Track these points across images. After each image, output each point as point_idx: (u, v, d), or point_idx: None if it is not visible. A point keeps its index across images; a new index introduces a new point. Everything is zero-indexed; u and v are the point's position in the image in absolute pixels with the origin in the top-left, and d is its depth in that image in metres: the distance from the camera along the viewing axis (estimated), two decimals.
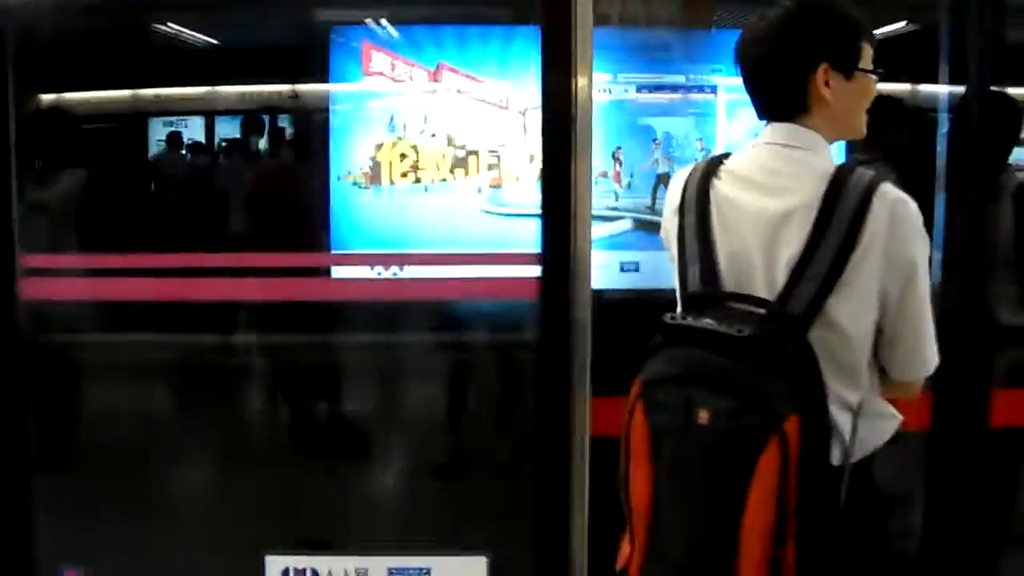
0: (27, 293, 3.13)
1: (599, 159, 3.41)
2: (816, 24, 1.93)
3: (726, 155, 2.05)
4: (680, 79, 3.57)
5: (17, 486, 3.22)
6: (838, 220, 1.81)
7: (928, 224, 1.90)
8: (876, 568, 2.08)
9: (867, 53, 1.98)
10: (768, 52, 1.94)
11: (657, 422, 1.88)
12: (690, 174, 2.04)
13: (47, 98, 3.97)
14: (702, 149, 3.51)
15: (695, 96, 3.51)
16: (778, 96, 1.96)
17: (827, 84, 1.92)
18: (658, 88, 3.55)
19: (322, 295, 3.37)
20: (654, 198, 3.49)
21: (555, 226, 3.00)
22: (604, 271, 3.47)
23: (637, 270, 3.47)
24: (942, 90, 3.56)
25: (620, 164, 3.49)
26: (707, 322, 1.85)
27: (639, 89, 3.53)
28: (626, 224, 3.52)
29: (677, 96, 3.55)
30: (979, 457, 3.31)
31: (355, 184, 3.43)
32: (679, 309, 1.98)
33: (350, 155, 3.43)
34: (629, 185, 3.50)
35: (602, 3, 3.52)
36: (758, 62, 1.97)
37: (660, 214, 2.14)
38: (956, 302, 3.29)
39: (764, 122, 2.00)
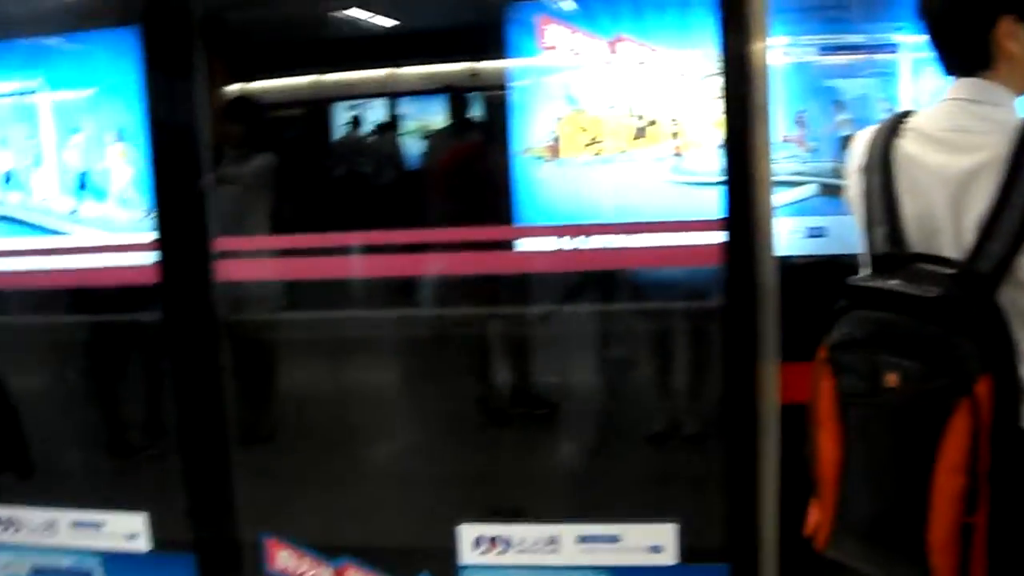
0: (221, 275, 3.31)
1: (782, 124, 3.37)
2: None
3: (909, 113, 2.01)
4: (862, 39, 3.49)
5: (219, 459, 3.42)
6: None
7: None
8: None
9: None
10: (950, 5, 1.90)
11: (845, 387, 1.87)
12: (872, 134, 2.02)
13: (235, 86, 4.15)
14: (886, 110, 3.42)
15: (877, 56, 3.42)
16: (961, 50, 1.92)
17: (1011, 37, 1.87)
18: (840, 49, 3.47)
19: (509, 267, 3.44)
20: (838, 162, 3.42)
21: (736, 192, 2.99)
22: (790, 237, 3.42)
23: (823, 236, 3.40)
24: None
25: (804, 128, 3.43)
26: (894, 284, 1.83)
27: (820, 51, 3.46)
28: (811, 189, 3.46)
29: (859, 56, 3.47)
30: None
31: (536, 158, 3.47)
32: (865, 271, 1.96)
33: (530, 130, 3.47)
34: (814, 149, 3.44)
35: None
36: (941, 16, 1.93)
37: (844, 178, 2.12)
38: None
39: (948, 80, 1.95)
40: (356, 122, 6.06)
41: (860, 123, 3.37)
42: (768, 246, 2.98)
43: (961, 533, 1.73)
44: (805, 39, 3.44)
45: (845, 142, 3.43)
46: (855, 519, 1.90)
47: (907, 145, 1.94)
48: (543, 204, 3.48)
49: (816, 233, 3.44)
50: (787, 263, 3.16)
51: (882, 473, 1.83)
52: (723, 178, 3.00)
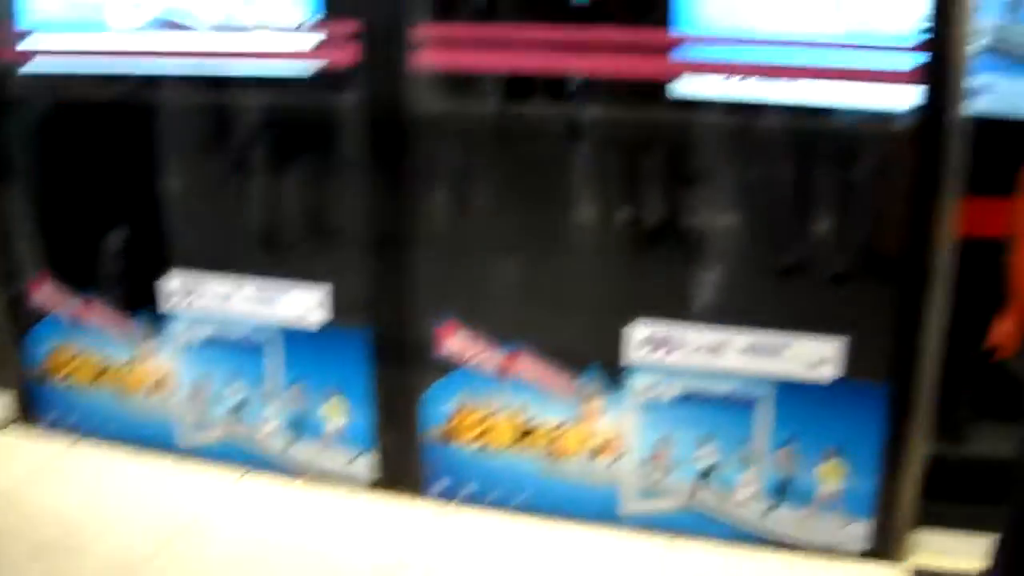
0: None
1: None
2: None
3: None
4: None
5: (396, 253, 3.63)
6: None
7: None
8: None
9: None
10: None
11: None
12: None
13: None
14: None
15: None
16: None
17: None
18: None
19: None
20: (1016, 17, 3.49)
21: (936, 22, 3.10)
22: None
23: (994, 93, 3.49)
24: None
25: None
26: None
27: None
28: (984, 43, 3.54)
29: None
30: None
31: None
32: None
33: None
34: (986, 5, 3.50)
35: None
36: None
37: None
38: None
39: None
40: None
41: None
42: (961, 78, 3.10)
43: None
44: None
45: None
46: None
47: None
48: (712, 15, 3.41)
49: (987, 89, 3.54)
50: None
51: None
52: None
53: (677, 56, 3.28)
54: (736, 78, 3.30)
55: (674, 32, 3.27)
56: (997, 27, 3.52)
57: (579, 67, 3.44)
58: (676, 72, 3.30)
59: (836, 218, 3.53)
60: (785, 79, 3.27)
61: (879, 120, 3.32)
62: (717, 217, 3.64)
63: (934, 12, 3.08)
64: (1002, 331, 2.35)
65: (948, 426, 3.47)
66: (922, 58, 3.10)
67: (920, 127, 3.14)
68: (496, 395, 3.66)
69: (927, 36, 3.09)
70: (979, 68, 3.50)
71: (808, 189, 3.59)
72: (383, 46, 3.50)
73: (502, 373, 3.64)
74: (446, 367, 3.70)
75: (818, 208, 3.56)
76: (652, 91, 3.39)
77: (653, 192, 3.74)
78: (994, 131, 3.24)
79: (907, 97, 3.13)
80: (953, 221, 3.15)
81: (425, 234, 3.62)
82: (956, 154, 3.12)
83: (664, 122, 3.55)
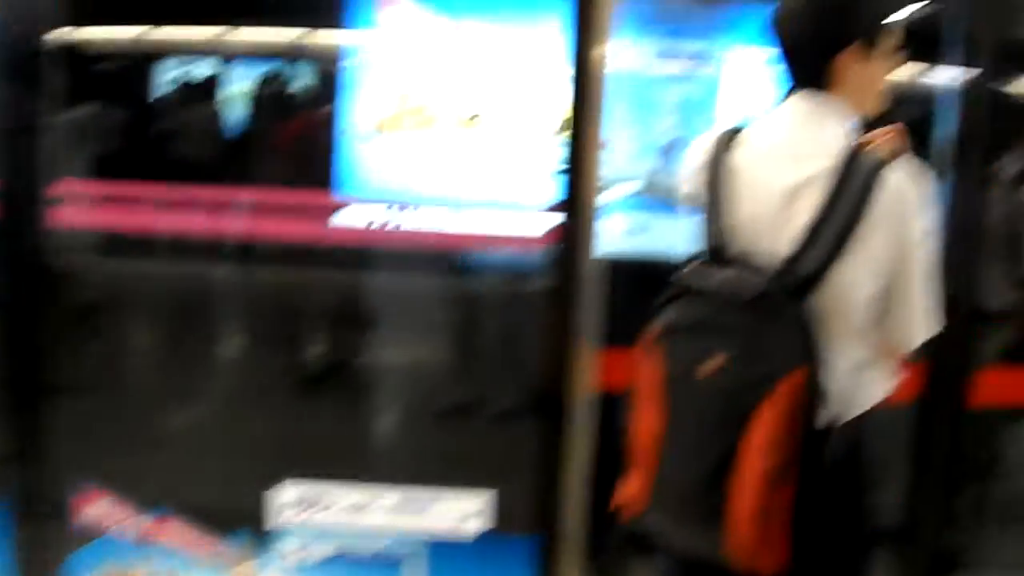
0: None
1: (615, 124, 3.54)
2: (849, 5, 2.06)
3: (745, 123, 2.18)
4: (697, 48, 3.68)
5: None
6: (849, 191, 1.96)
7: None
8: (853, 530, 2.20)
9: (891, 33, 2.11)
10: (804, 27, 2.06)
11: (669, 368, 2.04)
12: (711, 140, 2.18)
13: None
14: (718, 118, 3.64)
15: (711, 65, 3.61)
16: (808, 69, 2.08)
17: (855, 61, 2.05)
18: (675, 56, 3.65)
19: (332, 238, 3.47)
20: (667, 164, 3.61)
21: (567, 183, 3.13)
22: (615, 234, 3.60)
23: (647, 233, 3.59)
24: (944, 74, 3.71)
25: (633, 131, 3.61)
26: (720, 278, 2.01)
27: (657, 57, 3.63)
28: (637, 188, 3.64)
29: (694, 65, 3.66)
30: (959, 435, 3.49)
31: (371, 133, 3.46)
32: (696, 265, 2.12)
33: (365, 105, 3.45)
34: (641, 151, 3.62)
35: None
36: (794, 36, 2.08)
37: (673, 179, 2.28)
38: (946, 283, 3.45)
39: (783, 93, 2.13)
40: (181, 81, 5.90)
41: (689, 129, 3.61)
42: (592, 236, 3.13)
43: (763, 514, 1.92)
44: (640, 46, 3.62)
45: (674, 145, 3.64)
46: (670, 491, 2.08)
47: (743, 154, 2.12)
48: (370, 179, 3.47)
49: (641, 231, 3.63)
50: (613, 258, 3.34)
51: (698, 450, 2.00)
52: (556, 168, 3.13)
53: (335, 216, 3.26)
54: (391, 233, 3.33)
55: (333, 194, 3.25)
56: (650, 172, 3.64)
57: (235, 227, 3.38)
58: (334, 234, 3.28)
59: (483, 368, 3.54)
60: (435, 236, 3.30)
61: (520, 274, 3.37)
62: (375, 364, 3.62)
63: (567, 176, 3.14)
64: (624, 494, 2.33)
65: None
66: (556, 218, 3.15)
67: (556, 281, 3.17)
68: (141, 562, 3.48)
69: (560, 199, 3.15)
70: (632, 211, 3.61)
71: (461, 340, 3.63)
72: (24, 203, 3.34)
73: (147, 539, 3.46)
74: (87, 535, 3.49)
75: (468, 357, 3.58)
76: (308, 250, 3.37)
77: (310, 342, 3.72)
78: (638, 277, 3.30)
79: (543, 254, 3.16)
80: (591, 372, 3.17)
81: (68, 389, 3.44)
82: (591, 305, 3.15)
83: (319, 278, 3.53)
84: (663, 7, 3.73)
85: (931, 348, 2.22)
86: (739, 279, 1.99)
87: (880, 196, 1.95)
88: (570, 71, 3.08)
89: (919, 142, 3.86)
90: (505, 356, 3.69)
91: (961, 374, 3.47)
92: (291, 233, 3.37)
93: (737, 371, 1.94)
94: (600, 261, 3.13)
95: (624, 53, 3.60)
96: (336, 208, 3.44)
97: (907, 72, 3.92)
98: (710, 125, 3.54)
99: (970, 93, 3.46)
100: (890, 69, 2.14)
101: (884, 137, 2.21)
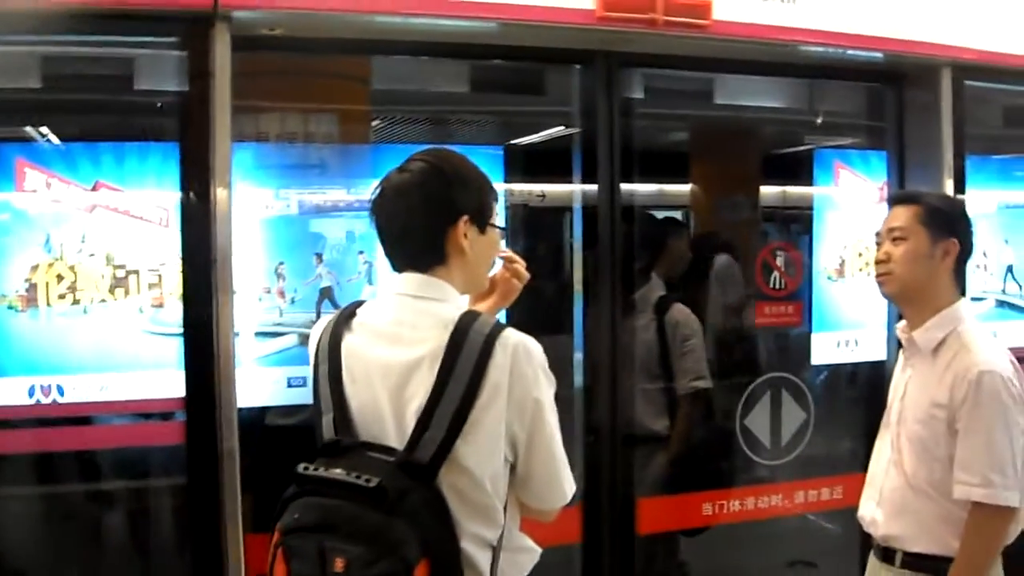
0: None
1: (263, 275, 3.42)
2: (459, 180, 2.03)
3: (360, 304, 2.10)
4: (342, 193, 3.62)
5: None
6: (461, 368, 1.89)
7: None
8: None
9: (495, 208, 2.11)
10: (412, 204, 2.01)
11: (296, 570, 1.90)
12: (326, 325, 2.10)
13: None
14: (364, 262, 3.56)
15: (356, 210, 3.54)
16: (418, 246, 2.03)
17: (465, 236, 2.01)
18: (320, 202, 3.58)
19: None
20: (318, 312, 3.50)
21: (197, 346, 3.05)
22: (272, 387, 3.46)
23: (304, 385, 3.44)
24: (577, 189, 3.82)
25: (283, 280, 3.49)
26: (338, 472, 1.89)
27: (301, 204, 3.55)
28: (292, 340, 3.51)
29: (339, 210, 3.59)
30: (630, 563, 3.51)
31: (10, 308, 3.23)
32: (315, 459, 1.99)
33: (4, 277, 3.21)
34: (293, 300, 3.50)
35: (261, 121, 3.54)
36: (402, 214, 2.02)
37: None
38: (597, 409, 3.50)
39: (391, 272, 2.08)
40: None
41: (340, 274, 3.51)
42: (231, 406, 2.99)
43: None
44: (285, 192, 3.52)
45: (324, 293, 3.54)
46: None
47: (355, 338, 2.03)
48: (17, 356, 3.21)
49: (298, 383, 3.48)
50: (260, 424, 3.22)
51: None
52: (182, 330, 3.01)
53: None
54: None
55: None
56: (311, 321, 3.50)
57: None
58: None
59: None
60: None
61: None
62: None
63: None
64: None
65: None
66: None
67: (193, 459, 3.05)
68: None
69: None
70: (292, 361, 3.46)
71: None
72: None
73: None
74: None
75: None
76: None
77: None
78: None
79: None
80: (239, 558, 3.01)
81: None
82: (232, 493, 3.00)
83: None
84: (309, 152, 3.67)
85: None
86: (357, 471, 1.86)
87: (493, 365, 1.90)
88: (190, 224, 3.00)
89: (554, 263, 3.98)
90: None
91: (625, 504, 3.50)
92: None
93: (364, 570, 1.81)
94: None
95: (271, 203, 3.49)
96: None
97: (544, 191, 3.99)
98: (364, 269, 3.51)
99: (601, 208, 3.56)
100: (497, 242, 2.13)
101: (500, 271, 2.22)
